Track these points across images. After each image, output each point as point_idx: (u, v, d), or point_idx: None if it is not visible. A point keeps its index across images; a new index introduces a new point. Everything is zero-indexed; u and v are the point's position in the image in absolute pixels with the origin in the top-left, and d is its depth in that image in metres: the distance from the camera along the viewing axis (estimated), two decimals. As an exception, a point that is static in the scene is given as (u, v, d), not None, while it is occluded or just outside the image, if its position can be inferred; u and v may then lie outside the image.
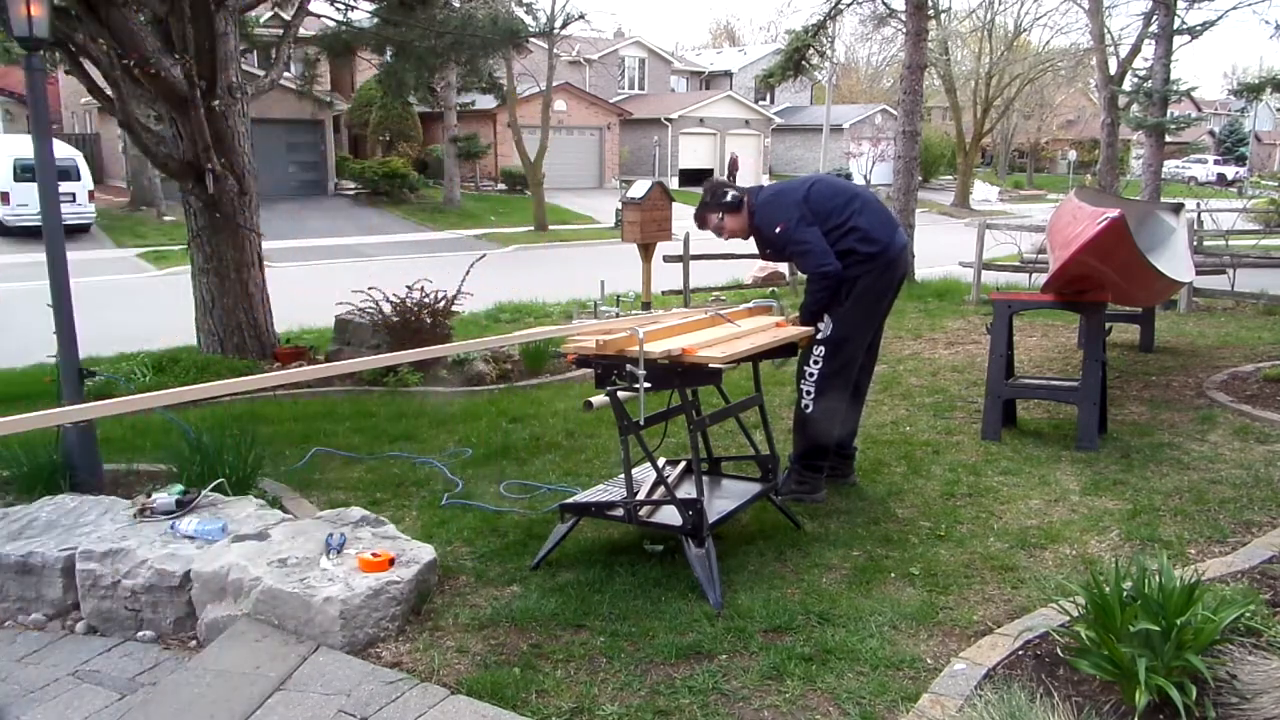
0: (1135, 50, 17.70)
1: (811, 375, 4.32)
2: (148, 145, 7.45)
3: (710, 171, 40.34)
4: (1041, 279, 7.01)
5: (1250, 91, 15.93)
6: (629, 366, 3.36)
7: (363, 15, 10.64)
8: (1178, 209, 8.55)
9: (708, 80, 47.89)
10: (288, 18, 8.91)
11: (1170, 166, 38.15)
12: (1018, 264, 11.86)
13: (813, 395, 4.32)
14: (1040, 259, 10.66)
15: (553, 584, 3.55)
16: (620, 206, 9.10)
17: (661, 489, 3.75)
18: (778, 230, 4.28)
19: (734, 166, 40.28)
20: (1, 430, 1.67)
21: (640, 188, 7.93)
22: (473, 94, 28.48)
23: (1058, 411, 5.89)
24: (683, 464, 4.19)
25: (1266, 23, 34.70)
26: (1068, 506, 4.32)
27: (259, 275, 8.06)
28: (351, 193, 29.88)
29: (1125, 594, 2.65)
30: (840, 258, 4.21)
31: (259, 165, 8.30)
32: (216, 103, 7.35)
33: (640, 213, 7.75)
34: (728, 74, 47.09)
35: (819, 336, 4.28)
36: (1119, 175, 18.56)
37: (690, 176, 39.37)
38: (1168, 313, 9.59)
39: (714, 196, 4.47)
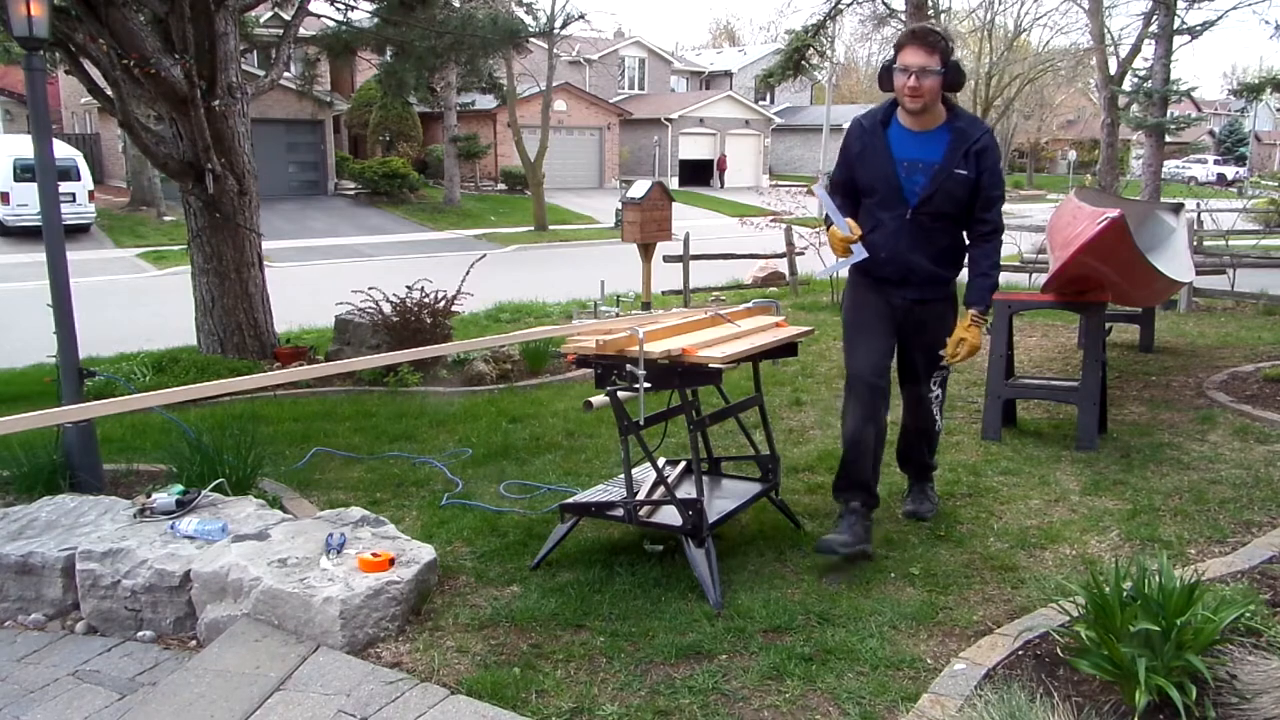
0: (1135, 50, 17.71)
1: (938, 397, 4.07)
2: (148, 145, 7.46)
3: (711, 164, 40.35)
4: (1041, 279, 7.01)
5: (1250, 91, 15.94)
6: (629, 366, 3.36)
7: (363, 15, 10.64)
8: (1178, 209, 8.55)
9: (708, 80, 47.92)
10: (288, 18, 8.92)
11: (1170, 166, 38.16)
12: (1018, 264, 11.88)
13: (939, 416, 4.15)
14: (1040, 259, 10.67)
15: (553, 584, 3.55)
16: (620, 206, 9.10)
17: (661, 489, 3.74)
18: (1000, 164, 3.82)
19: (722, 165, 40.35)
20: (1, 430, 1.67)
21: (640, 188, 7.94)
22: (473, 94, 28.52)
23: (1058, 411, 5.89)
24: (683, 464, 4.19)
25: (1266, 23, 34.69)
26: (1068, 506, 4.32)
27: (259, 275, 8.07)
28: (351, 193, 29.89)
29: (1125, 594, 2.65)
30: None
31: (259, 165, 8.31)
32: (216, 103, 7.36)
33: (640, 213, 7.76)
34: (728, 74, 47.12)
35: (942, 363, 3.94)
36: (1119, 175, 18.57)
37: (691, 169, 39.41)
38: (1168, 313, 9.59)
39: (951, 52, 3.66)
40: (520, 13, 15.62)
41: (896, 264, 3.78)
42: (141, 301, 14.21)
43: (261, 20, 11.25)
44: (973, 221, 3.78)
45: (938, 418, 4.12)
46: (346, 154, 31.85)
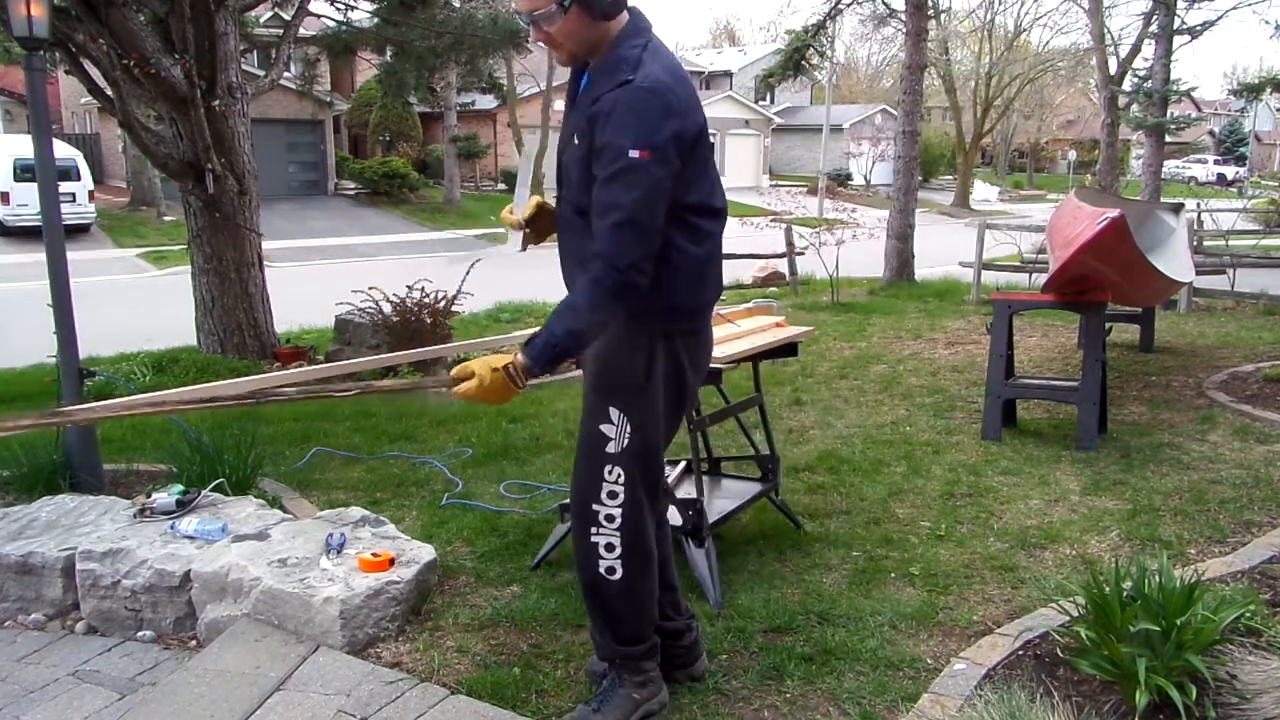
0: (1135, 50, 17.74)
1: (608, 517, 2.48)
2: (148, 145, 7.46)
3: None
4: (1041, 279, 7.01)
5: (1250, 91, 15.96)
6: (629, 366, 3.35)
7: (363, 15, 10.65)
8: (1178, 209, 8.56)
9: (708, 80, 47.87)
10: (288, 18, 8.92)
11: (1170, 166, 38.16)
12: (1018, 264, 11.88)
13: (602, 556, 2.50)
14: (1040, 259, 10.67)
15: (553, 584, 3.55)
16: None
17: (661, 489, 3.72)
18: (624, 144, 2.16)
19: None
20: (1, 431, 1.67)
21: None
22: (473, 94, 28.51)
23: (1058, 411, 5.89)
24: (683, 464, 4.19)
25: (1266, 23, 34.69)
26: (1068, 506, 4.32)
27: (259, 275, 8.08)
28: (351, 193, 29.91)
29: (1125, 594, 2.65)
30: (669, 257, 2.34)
31: (259, 165, 8.32)
32: (216, 103, 7.37)
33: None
34: (728, 74, 47.08)
35: (612, 449, 2.45)
36: (1119, 175, 18.59)
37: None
38: (1168, 313, 9.59)
39: None
40: (520, 13, 15.66)
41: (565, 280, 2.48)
42: (141, 301, 14.21)
43: (261, 20, 11.26)
44: None
45: (599, 558, 2.49)
46: (346, 154, 31.87)
